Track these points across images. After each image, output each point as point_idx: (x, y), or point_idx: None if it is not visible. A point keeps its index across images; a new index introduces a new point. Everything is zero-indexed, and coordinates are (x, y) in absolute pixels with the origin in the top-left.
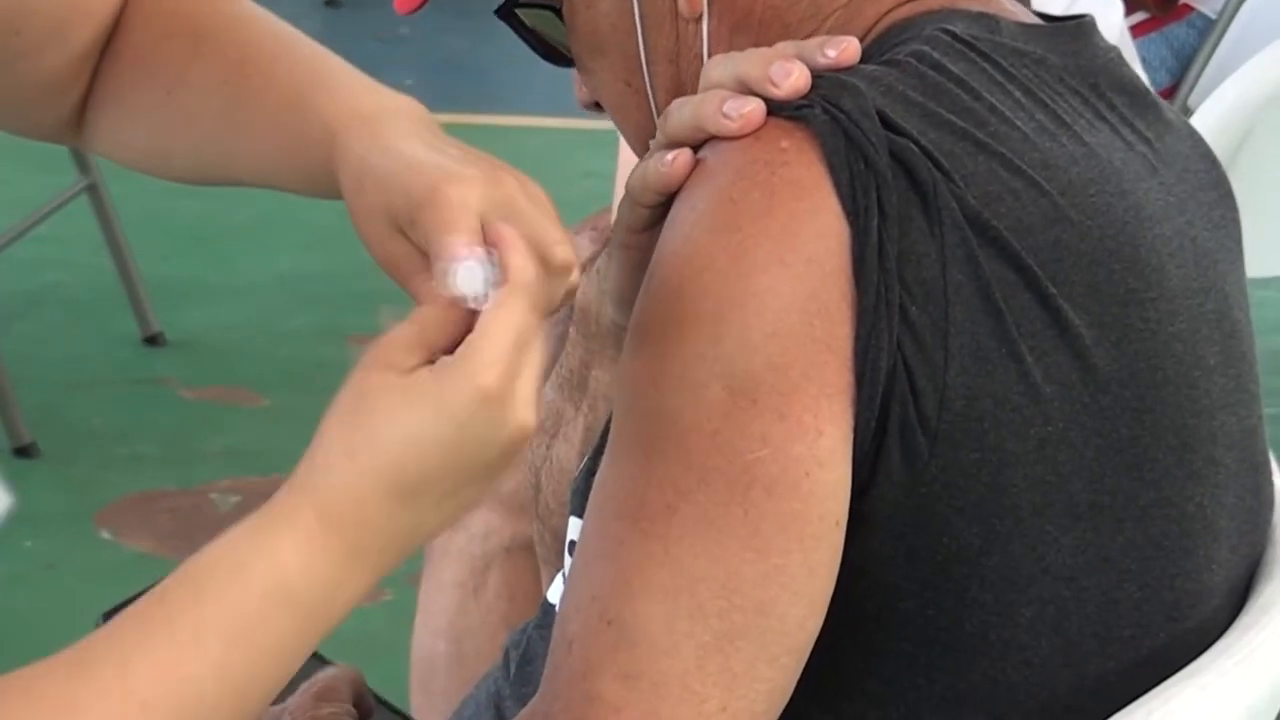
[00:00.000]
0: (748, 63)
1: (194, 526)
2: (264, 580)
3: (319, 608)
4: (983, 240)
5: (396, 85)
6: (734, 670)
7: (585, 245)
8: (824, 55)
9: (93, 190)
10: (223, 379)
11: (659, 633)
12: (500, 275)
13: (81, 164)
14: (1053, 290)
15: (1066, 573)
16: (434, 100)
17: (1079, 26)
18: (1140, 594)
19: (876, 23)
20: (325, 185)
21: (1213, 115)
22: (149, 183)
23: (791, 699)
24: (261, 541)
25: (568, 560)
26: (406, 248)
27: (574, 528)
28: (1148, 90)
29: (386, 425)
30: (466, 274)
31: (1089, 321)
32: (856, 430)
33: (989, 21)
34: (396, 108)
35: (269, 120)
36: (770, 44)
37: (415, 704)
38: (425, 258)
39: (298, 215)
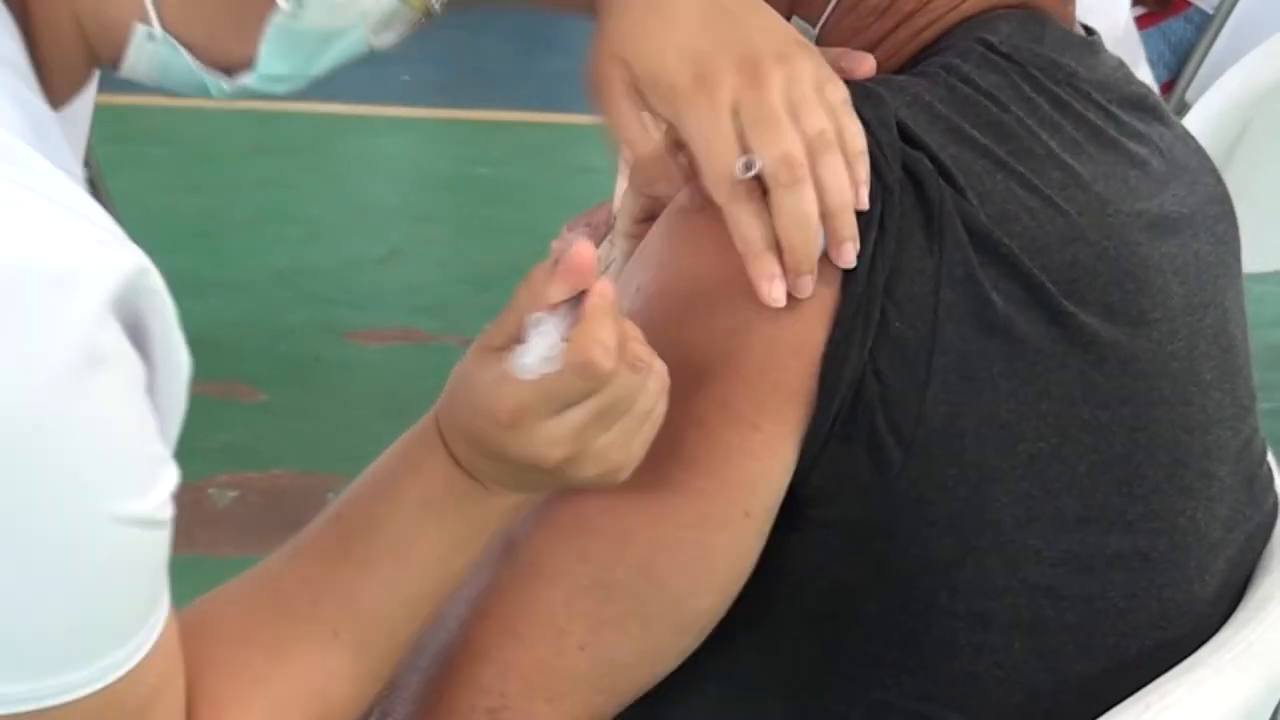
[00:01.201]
0: None
1: (192, 521)
2: (415, 495)
3: (466, 519)
4: (989, 259)
5: (393, 80)
6: (601, 616)
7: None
8: (838, 69)
9: (91, 185)
10: (221, 374)
11: (544, 562)
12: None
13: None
14: (1070, 308)
15: (1045, 582)
16: (431, 96)
17: (1091, 43)
18: (1125, 603)
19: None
20: None
21: (1210, 110)
22: (148, 177)
23: (753, 685)
24: (412, 457)
25: None
26: (638, 110)
27: None
28: (1158, 104)
29: (464, 392)
30: (538, 335)
31: (1102, 341)
32: (809, 433)
33: (1036, 27)
34: None
35: None
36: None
37: None
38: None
39: (296, 210)
